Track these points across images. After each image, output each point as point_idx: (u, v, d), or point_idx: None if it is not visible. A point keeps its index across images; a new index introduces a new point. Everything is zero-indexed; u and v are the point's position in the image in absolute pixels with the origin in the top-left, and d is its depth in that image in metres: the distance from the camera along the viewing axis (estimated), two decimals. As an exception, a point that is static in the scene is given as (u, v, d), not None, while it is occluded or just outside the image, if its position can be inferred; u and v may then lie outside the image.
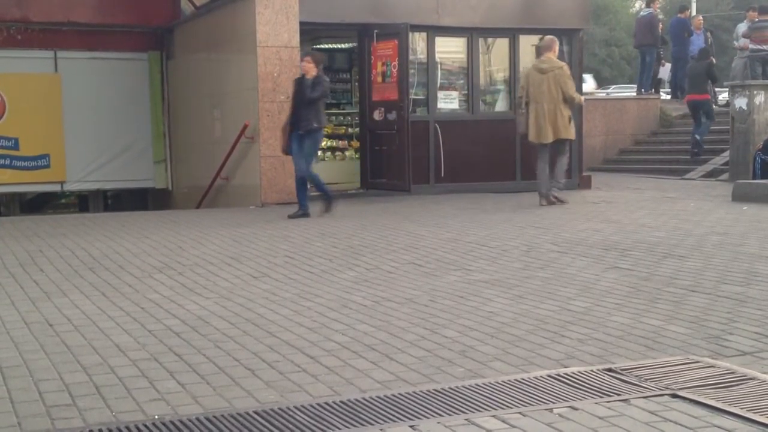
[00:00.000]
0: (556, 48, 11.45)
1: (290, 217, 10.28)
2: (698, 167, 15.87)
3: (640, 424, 3.46)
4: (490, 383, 4.01)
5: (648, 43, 18.91)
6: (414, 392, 3.89)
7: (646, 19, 19.06)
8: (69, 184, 15.33)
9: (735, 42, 19.27)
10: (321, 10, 12.67)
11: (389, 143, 13.12)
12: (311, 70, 10.31)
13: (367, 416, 3.61)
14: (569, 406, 3.68)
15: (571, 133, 11.22)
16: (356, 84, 14.74)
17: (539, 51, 11.67)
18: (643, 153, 18.07)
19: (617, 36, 44.88)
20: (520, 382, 4.03)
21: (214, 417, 3.62)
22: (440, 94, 13.63)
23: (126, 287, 6.44)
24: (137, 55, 15.37)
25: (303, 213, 10.34)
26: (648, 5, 19.41)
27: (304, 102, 10.25)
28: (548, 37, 12.12)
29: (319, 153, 14.78)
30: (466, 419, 3.55)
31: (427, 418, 3.57)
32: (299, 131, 10.31)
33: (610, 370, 4.18)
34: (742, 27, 18.49)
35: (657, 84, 19.94)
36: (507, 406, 3.69)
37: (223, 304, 5.81)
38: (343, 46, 15.61)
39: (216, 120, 13.36)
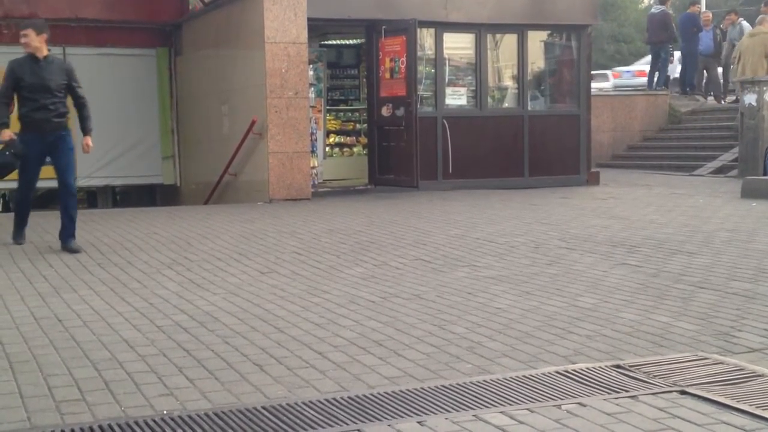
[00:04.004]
0: (767, 23, 16.04)
1: None
2: (707, 164, 15.82)
3: (649, 421, 3.46)
4: (498, 379, 4.02)
5: (661, 40, 18.81)
6: (422, 388, 3.90)
7: (658, 16, 18.92)
8: (77, 180, 15.30)
9: None
10: (329, 6, 12.66)
11: (397, 139, 13.11)
12: None
13: (374, 412, 3.61)
14: (577, 403, 3.68)
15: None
16: (364, 80, 14.73)
17: (755, 24, 16.51)
18: (652, 149, 18.02)
19: (626, 32, 44.67)
20: (527, 378, 4.03)
21: (223, 412, 3.63)
22: (448, 90, 13.64)
23: (134, 283, 6.46)
24: (145, 51, 15.36)
25: None
26: (661, 2, 19.29)
27: None
28: (761, 16, 16.50)
29: (327, 149, 14.81)
30: (473, 415, 3.55)
31: (435, 414, 3.57)
32: None
33: (618, 366, 4.18)
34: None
35: (666, 80, 19.86)
36: (515, 402, 3.70)
37: (231, 300, 5.82)
38: (351, 42, 15.60)
39: (224, 116, 13.37)
